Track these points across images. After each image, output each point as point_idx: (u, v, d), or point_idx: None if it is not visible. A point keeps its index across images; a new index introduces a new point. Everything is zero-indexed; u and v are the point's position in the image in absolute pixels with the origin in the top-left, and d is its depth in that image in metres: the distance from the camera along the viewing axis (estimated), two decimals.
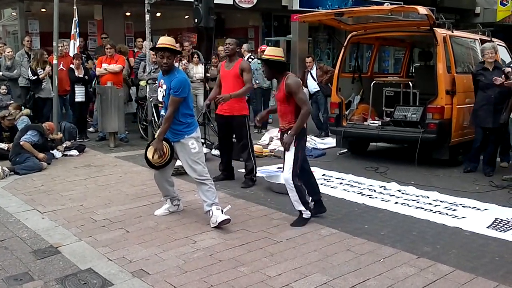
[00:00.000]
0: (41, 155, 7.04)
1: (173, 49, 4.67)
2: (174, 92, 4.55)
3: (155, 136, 4.78)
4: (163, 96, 4.75)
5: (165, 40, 4.72)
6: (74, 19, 10.37)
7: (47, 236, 4.42)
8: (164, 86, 4.69)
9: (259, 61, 10.42)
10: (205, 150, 7.79)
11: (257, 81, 10.39)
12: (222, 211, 4.61)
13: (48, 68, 9.11)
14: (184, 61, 10.32)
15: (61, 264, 3.83)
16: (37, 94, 9.34)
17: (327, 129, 9.66)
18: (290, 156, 4.66)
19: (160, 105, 5.03)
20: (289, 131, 4.66)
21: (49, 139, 7.68)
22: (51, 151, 7.87)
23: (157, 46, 4.66)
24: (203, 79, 10.08)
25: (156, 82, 8.59)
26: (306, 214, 4.74)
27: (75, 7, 10.29)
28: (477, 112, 6.81)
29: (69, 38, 10.46)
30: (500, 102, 6.57)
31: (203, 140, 8.36)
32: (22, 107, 8.81)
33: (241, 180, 6.30)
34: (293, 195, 4.67)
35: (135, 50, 11.41)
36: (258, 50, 10.94)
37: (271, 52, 4.84)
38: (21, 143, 6.97)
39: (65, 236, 4.43)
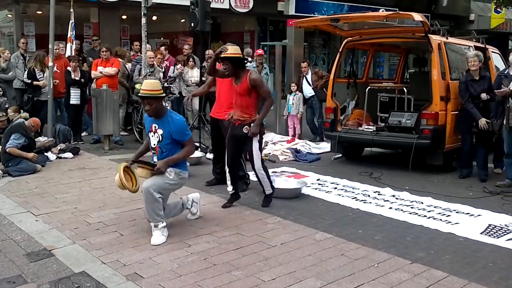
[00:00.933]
0: (30, 155, 6.94)
1: (155, 96, 4.39)
2: (186, 132, 4.48)
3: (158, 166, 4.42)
4: (158, 142, 4.45)
5: (147, 86, 4.43)
6: (71, 21, 10.36)
7: (41, 238, 4.40)
8: (160, 131, 4.42)
9: (254, 66, 10.47)
10: (199, 154, 7.81)
11: None
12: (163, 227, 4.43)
13: (44, 80, 9.06)
14: (179, 65, 10.33)
15: (54, 267, 3.81)
16: (36, 97, 9.31)
17: (321, 134, 9.67)
18: (256, 144, 5.25)
19: (153, 151, 4.54)
20: (251, 123, 5.18)
21: (32, 137, 7.47)
22: (45, 153, 7.85)
23: (140, 94, 4.46)
24: (198, 83, 10.08)
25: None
26: (269, 191, 5.45)
27: (72, 10, 10.28)
28: (463, 119, 6.89)
29: (65, 41, 10.45)
30: (486, 109, 6.70)
31: (197, 144, 8.38)
32: (21, 110, 8.76)
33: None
34: (265, 180, 5.37)
35: (132, 53, 11.40)
36: (255, 54, 10.95)
37: (233, 50, 5.15)
38: (7, 150, 6.88)
39: (59, 239, 4.41)
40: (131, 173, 4.68)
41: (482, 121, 6.62)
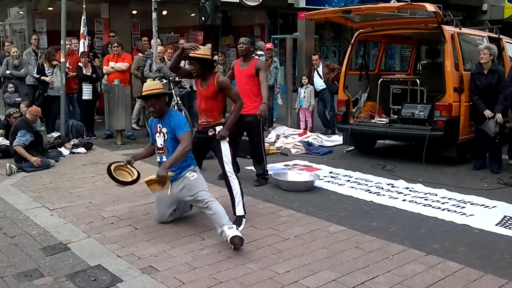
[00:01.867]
0: (33, 158, 6.83)
1: (156, 93, 4.41)
2: (183, 127, 4.39)
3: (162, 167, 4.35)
4: (164, 141, 4.46)
5: (148, 86, 4.48)
6: (83, 18, 10.40)
7: (56, 233, 4.44)
8: (165, 129, 4.44)
9: (264, 59, 10.43)
10: None
11: None
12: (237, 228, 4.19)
13: (51, 77, 9.11)
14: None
15: (70, 261, 3.85)
16: (46, 92, 9.40)
17: (333, 126, 9.64)
18: (226, 147, 4.77)
19: (161, 151, 4.52)
20: (216, 127, 4.80)
21: (37, 130, 7.49)
22: (58, 149, 7.93)
23: (142, 94, 4.46)
24: None
25: (163, 80, 8.71)
26: (241, 212, 4.69)
27: (84, 6, 10.31)
28: (476, 110, 6.84)
29: (76, 37, 10.50)
30: (492, 104, 6.64)
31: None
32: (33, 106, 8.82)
33: (247, 177, 6.28)
34: (237, 189, 4.71)
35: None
36: (264, 48, 10.92)
37: (203, 51, 4.80)
38: (14, 148, 6.92)
39: (74, 233, 4.45)
40: (125, 169, 4.67)
41: (487, 112, 6.55)
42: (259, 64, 6.09)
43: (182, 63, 6.02)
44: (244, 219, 4.67)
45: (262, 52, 10.88)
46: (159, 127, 4.49)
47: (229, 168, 4.74)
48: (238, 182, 4.75)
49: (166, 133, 4.45)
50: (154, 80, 8.72)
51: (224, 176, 4.80)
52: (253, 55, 11.43)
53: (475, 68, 7.00)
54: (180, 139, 4.37)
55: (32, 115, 7.39)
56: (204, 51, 4.82)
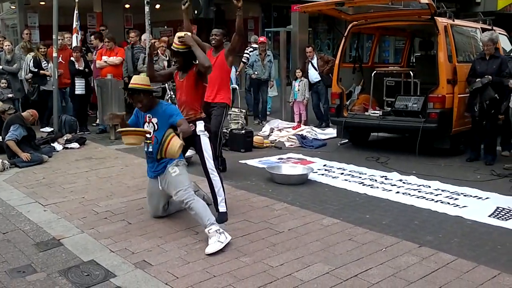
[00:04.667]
0: (23, 154, 6.78)
1: (145, 89, 4.33)
2: (179, 115, 4.38)
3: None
4: (154, 131, 4.36)
5: (138, 81, 4.38)
6: (75, 12, 10.33)
7: (49, 228, 4.42)
8: (155, 120, 4.36)
9: (257, 54, 10.42)
10: None
11: (255, 72, 10.38)
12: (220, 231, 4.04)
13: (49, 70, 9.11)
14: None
15: (63, 256, 3.83)
16: (42, 86, 9.36)
17: (327, 119, 9.65)
18: (206, 142, 4.62)
19: (149, 141, 4.35)
20: (197, 121, 4.64)
21: (30, 126, 7.40)
22: (51, 144, 7.89)
23: (129, 87, 4.35)
24: None
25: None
26: (223, 208, 4.60)
27: (76, 0, 10.23)
28: (471, 101, 6.85)
29: (69, 31, 10.43)
30: (492, 105, 6.63)
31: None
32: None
33: (238, 171, 6.26)
34: (218, 185, 4.58)
35: (129, 41, 11.38)
36: (257, 41, 10.89)
37: (137, 80, 4.48)
38: (6, 142, 6.88)
39: (67, 228, 4.43)
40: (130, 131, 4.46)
41: (484, 80, 6.54)
42: (226, 49, 5.98)
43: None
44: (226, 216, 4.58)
45: (256, 46, 10.87)
46: (149, 117, 4.41)
47: (210, 165, 4.59)
48: (219, 179, 4.62)
49: (157, 123, 4.38)
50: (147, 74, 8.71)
51: (205, 173, 4.63)
52: (247, 48, 11.44)
53: (478, 54, 7.06)
54: (178, 124, 4.31)
55: (29, 114, 7.36)
56: (137, 80, 4.56)
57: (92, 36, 10.61)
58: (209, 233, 3.97)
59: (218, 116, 5.95)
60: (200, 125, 4.67)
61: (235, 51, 6.03)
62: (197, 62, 4.62)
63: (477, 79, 6.61)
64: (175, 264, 3.68)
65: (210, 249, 3.86)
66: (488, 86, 6.53)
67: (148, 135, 4.35)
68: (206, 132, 4.67)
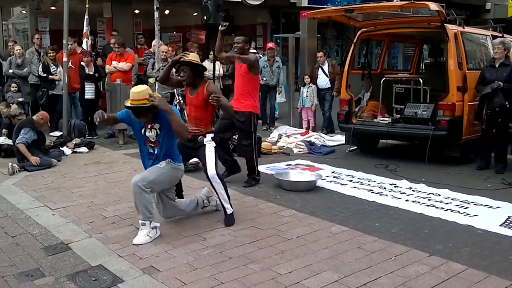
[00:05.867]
0: (32, 157, 6.80)
1: (146, 107, 4.16)
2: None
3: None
4: (156, 136, 4.36)
5: (135, 96, 4.17)
6: (86, 17, 10.40)
7: (58, 232, 4.43)
8: (157, 126, 4.32)
9: (265, 60, 10.42)
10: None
11: (264, 78, 10.38)
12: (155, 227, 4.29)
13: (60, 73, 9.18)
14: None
15: (71, 261, 3.83)
16: (51, 91, 9.43)
17: (328, 126, 9.68)
18: (211, 151, 4.72)
19: (153, 145, 4.42)
20: (207, 134, 4.75)
21: (41, 130, 7.46)
22: (60, 148, 7.92)
23: (129, 105, 4.22)
24: (216, 76, 10.05)
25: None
26: (230, 210, 4.71)
27: (87, 6, 10.30)
28: (481, 108, 6.79)
29: (80, 36, 10.50)
30: (502, 113, 6.57)
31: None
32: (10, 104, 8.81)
33: (246, 177, 6.25)
34: (221, 192, 4.67)
35: (138, 47, 11.47)
36: (266, 47, 10.90)
37: (193, 57, 4.73)
38: (16, 145, 6.93)
39: (75, 232, 4.44)
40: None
41: (494, 85, 6.49)
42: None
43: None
44: (228, 211, 4.70)
45: (253, 50, 10.85)
46: (150, 124, 4.36)
47: (212, 174, 4.65)
48: (222, 184, 4.70)
49: (159, 128, 4.36)
50: (156, 79, 8.74)
51: (208, 179, 4.72)
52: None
53: (487, 62, 7.02)
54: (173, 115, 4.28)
55: (39, 117, 7.40)
56: (194, 57, 4.76)
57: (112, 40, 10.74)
58: (142, 225, 4.22)
59: (248, 125, 5.99)
60: (208, 136, 4.76)
61: (253, 66, 5.97)
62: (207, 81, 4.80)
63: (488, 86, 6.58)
64: (182, 270, 3.67)
65: (137, 240, 4.17)
66: (498, 92, 6.49)
67: (152, 139, 4.39)
68: (212, 142, 4.76)
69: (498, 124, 6.70)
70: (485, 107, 6.66)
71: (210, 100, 4.54)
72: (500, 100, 6.48)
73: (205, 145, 4.73)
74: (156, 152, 4.42)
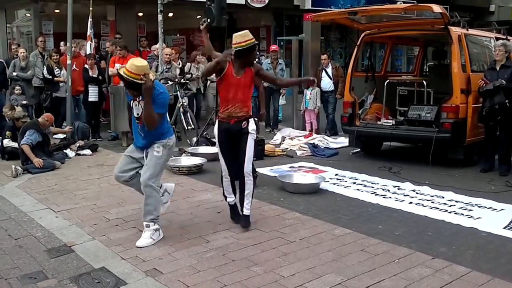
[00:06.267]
0: (35, 159, 6.82)
1: (136, 82, 4.08)
2: (160, 108, 4.24)
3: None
4: (141, 112, 4.25)
5: (133, 69, 4.08)
6: (89, 20, 10.43)
7: (61, 235, 4.43)
8: (142, 102, 4.18)
9: (269, 62, 10.42)
10: (217, 149, 7.80)
11: None
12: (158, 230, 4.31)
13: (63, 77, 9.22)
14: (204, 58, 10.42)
15: (75, 263, 3.84)
16: (54, 93, 9.46)
17: (332, 129, 9.72)
18: (251, 145, 4.60)
19: (137, 121, 4.35)
20: (249, 119, 4.60)
21: (47, 132, 7.51)
22: (64, 151, 7.94)
23: (122, 74, 4.12)
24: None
25: (169, 82, 8.73)
26: (248, 211, 4.64)
27: (91, 8, 10.34)
28: (484, 120, 6.82)
29: (83, 39, 10.53)
30: (501, 111, 6.55)
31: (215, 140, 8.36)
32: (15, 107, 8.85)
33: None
34: (250, 191, 4.61)
35: (141, 49, 11.50)
36: (270, 50, 10.90)
37: (242, 38, 4.51)
38: (20, 146, 6.95)
39: (78, 235, 4.44)
40: None
41: (496, 83, 6.49)
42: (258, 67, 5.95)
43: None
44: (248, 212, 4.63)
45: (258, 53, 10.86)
46: (138, 98, 4.28)
47: (248, 169, 4.56)
48: (252, 184, 4.65)
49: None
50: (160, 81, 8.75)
51: (240, 173, 4.58)
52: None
53: (489, 65, 7.03)
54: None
55: (44, 119, 7.44)
56: (240, 38, 4.55)
57: (108, 43, 10.73)
58: (146, 227, 4.23)
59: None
60: (252, 124, 4.62)
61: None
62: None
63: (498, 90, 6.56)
64: (185, 272, 3.66)
65: (140, 242, 4.18)
66: (499, 90, 6.48)
67: (136, 115, 4.33)
68: (255, 134, 4.67)
69: (501, 126, 6.68)
70: (485, 104, 6.65)
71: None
72: (501, 98, 6.48)
73: (248, 133, 4.58)
74: (141, 129, 4.35)
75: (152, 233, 4.24)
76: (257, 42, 4.62)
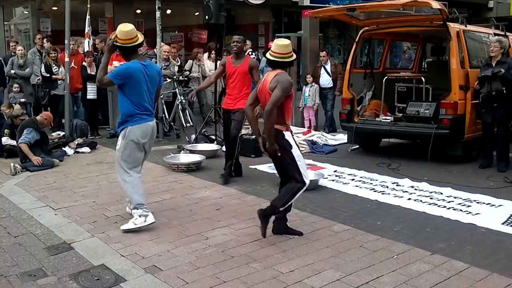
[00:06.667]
0: (34, 157, 6.81)
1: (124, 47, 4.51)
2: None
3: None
4: None
5: (123, 35, 4.49)
6: (87, 17, 10.41)
7: (60, 232, 4.44)
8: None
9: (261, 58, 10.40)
10: (216, 147, 7.81)
11: None
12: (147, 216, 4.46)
13: (62, 73, 9.20)
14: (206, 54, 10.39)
15: (74, 260, 3.84)
16: (53, 91, 9.45)
17: (330, 125, 9.73)
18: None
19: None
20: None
21: (44, 130, 7.50)
22: (63, 148, 7.94)
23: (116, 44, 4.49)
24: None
25: (167, 79, 8.73)
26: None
27: (89, 6, 10.31)
28: (479, 107, 6.82)
29: (82, 36, 10.51)
30: (498, 98, 6.56)
31: (214, 137, 8.37)
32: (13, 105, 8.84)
33: (248, 176, 6.26)
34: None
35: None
36: (268, 47, 10.89)
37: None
38: (19, 145, 6.95)
39: (78, 232, 4.45)
40: None
41: (495, 69, 6.51)
42: (252, 62, 6.32)
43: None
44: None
45: (250, 50, 10.83)
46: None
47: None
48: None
49: None
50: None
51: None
52: (246, 53, 11.51)
53: (485, 61, 7.03)
54: None
55: (42, 118, 7.42)
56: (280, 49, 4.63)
57: (97, 40, 10.67)
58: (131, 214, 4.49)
59: (239, 121, 6.07)
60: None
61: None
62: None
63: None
64: (185, 269, 3.67)
65: (123, 226, 4.44)
66: (497, 78, 6.49)
67: None
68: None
69: (499, 122, 6.69)
70: (482, 90, 6.66)
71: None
72: (498, 85, 6.49)
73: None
74: None
75: (135, 218, 4.43)
76: (295, 58, 4.47)
